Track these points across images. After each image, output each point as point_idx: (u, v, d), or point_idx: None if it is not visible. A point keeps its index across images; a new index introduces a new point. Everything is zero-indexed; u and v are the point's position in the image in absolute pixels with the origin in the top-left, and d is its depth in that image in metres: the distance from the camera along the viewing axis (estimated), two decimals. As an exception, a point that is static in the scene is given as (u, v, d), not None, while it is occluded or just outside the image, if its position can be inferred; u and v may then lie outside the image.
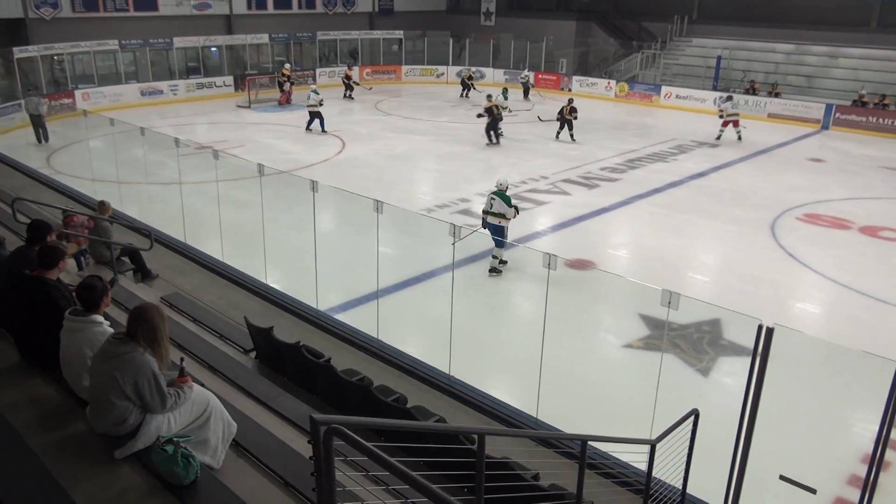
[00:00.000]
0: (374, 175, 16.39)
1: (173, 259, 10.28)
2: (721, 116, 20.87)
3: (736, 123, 20.62)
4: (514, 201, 10.84)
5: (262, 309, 8.66)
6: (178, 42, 27.02)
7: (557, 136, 20.50)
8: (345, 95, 27.38)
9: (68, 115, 21.70)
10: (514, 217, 10.74)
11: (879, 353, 4.78)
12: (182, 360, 3.97)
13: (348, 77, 28.03)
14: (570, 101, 20.59)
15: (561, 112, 20.28)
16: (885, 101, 23.01)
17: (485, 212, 10.84)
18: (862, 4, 27.01)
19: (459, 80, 29.43)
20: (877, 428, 4.24)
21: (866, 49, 26.18)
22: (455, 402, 6.80)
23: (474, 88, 27.91)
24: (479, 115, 19.90)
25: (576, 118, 20.05)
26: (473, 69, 29.96)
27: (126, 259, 8.86)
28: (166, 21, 27.23)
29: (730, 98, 21.67)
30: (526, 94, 28.20)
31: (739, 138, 20.72)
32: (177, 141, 11.72)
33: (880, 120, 22.54)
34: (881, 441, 4.22)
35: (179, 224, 11.01)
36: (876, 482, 4.34)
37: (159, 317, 3.69)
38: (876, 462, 4.28)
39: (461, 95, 28.49)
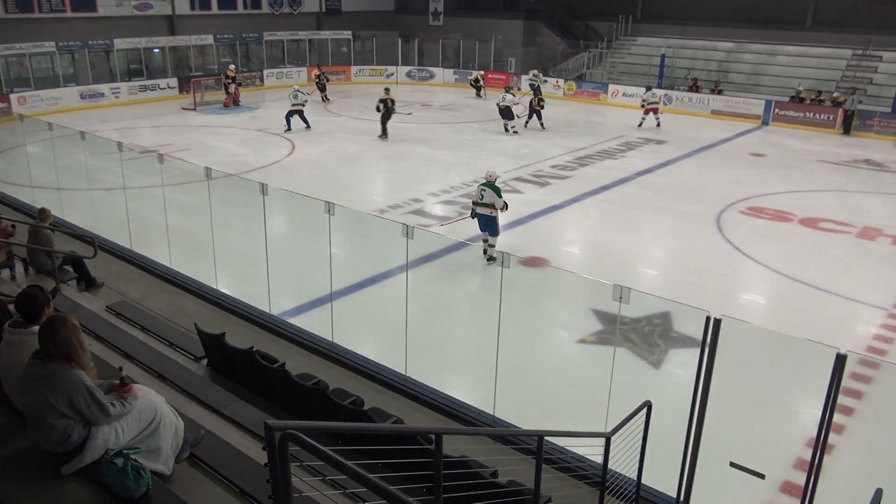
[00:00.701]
0: (326, 176, 16.24)
1: (119, 266, 10.00)
2: (643, 105, 22.96)
3: (655, 111, 22.77)
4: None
5: (212, 315, 8.49)
6: (119, 43, 26.30)
7: (526, 125, 22.15)
8: (323, 99, 26.65)
9: (3, 120, 20.86)
10: (504, 210, 11.03)
11: (821, 341, 4.95)
12: (121, 368, 3.86)
13: (320, 77, 27.19)
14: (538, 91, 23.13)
15: (530, 103, 22.22)
16: (821, 97, 23.84)
17: (474, 203, 11.10)
18: (798, 4, 27.96)
19: (469, 83, 29.39)
20: (820, 412, 4.38)
21: (802, 47, 27.12)
22: (412, 402, 6.78)
23: (484, 88, 28.34)
24: (377, 109, 20.39)
25: (543, 108, 22.09)
26: (482, 72, 29.65)
27: (69, 268, 8.58)
28: (106, 22, 26.46)
29: (649, 88, 23.85)
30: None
31: (658, 125, 22.75)
32: (120, 145, 11.39)
33: (817, 115, 23.36)
34: (825, 425, 4.36)
35: (124, 230, 10.72)
36: (821, 465, 4.48)
37: (68, 329, 3.50)
38: (820, 446, 4.42)
39: (477, 97, 28.51)
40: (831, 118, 23.05)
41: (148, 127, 22.28)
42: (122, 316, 7.10)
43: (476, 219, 11.11)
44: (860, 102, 22.88)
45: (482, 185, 11.03)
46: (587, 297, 9.56)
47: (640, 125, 22.87)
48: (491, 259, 10.83)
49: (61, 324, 3.51)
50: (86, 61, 25.53)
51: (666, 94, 26.32)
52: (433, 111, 25.69)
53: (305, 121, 21.05)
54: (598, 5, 32.52)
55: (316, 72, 27.83)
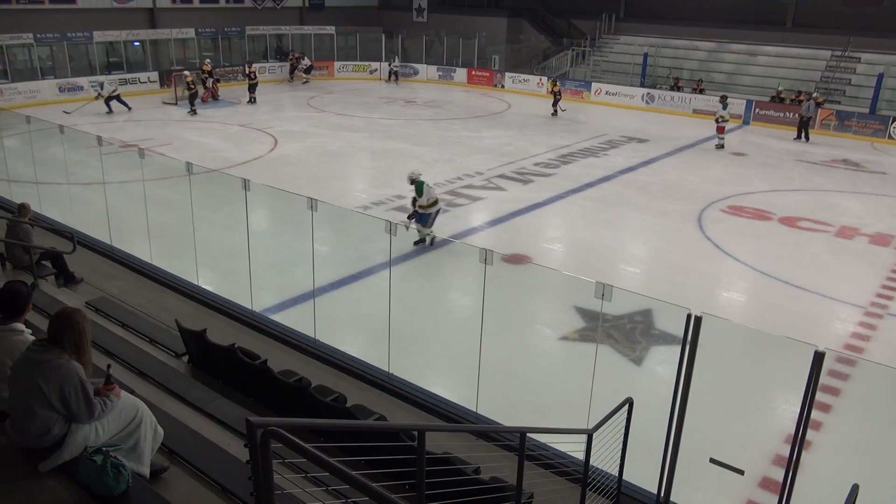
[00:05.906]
0: (308, 173, 16.16)
1: (98, 262, 9.88)
2: (717, 121, 19.89)
3: (722, 130, 19.93)
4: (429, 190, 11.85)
5: (193, 311, 8.42)
6: (98, 36, 25.96)
7: (557, 112, 24.39)
8: (290, 78, 27.11)
9: (-20, 113, 20.55)
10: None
11: (799, 338, 5.01)
12: (109, 366, 3.82)
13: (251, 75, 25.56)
14: (555, 82, 25.66)
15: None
16: (801, 97, 24.07)
17: None
18: (777, 5, 28.26)
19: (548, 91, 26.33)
20: (798, 409, 4.43)
21: (782, 47, 27.39)
22: (395, 399, 6.77)
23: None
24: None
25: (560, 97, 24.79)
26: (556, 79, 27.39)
27: (47, 263, 8.48)
28: (85, 14, 26.13)
29: (724, 100, 20.16)
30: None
31: (721, 146, 19.96)
32: (99, 139, 11.25)
33: (796, 115, 23.54)
34: (803, 422, 4.41)
35: (104, 225, 10.59)
36: (798, 461, 4.54)
37: (84, 320, 3.58)
38: (798, 442, 4.47)
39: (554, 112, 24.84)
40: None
41: (128, 121, 22.03)
42: (101, 312, 7.03)
43: None
44: (819, 107, 22.35)
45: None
46: (570, 295, 9.60)
47: (719, 146, 19.92)
48: None
49: (77, 313, 3.59)
50: (64, 54, 25.18)
51: (648, 94, 26.51)
52: (416, 107, 25.65)
53: (124, 103, 22.70)
54: (580, 4, 32.62)
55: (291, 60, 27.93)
